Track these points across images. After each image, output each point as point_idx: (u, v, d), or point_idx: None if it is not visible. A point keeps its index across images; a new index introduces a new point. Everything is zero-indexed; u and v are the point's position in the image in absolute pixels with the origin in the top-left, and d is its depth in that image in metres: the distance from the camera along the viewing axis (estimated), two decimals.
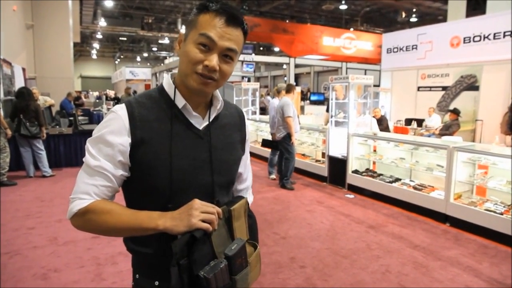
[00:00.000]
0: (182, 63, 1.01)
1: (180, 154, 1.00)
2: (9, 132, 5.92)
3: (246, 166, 1.26)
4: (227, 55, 0.99)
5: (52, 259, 3.38)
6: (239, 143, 1.17)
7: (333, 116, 6.40)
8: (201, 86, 0.99)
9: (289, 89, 6.02)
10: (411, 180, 5.30)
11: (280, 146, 6.04)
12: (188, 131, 1.03)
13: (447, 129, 7.49)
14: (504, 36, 7.77)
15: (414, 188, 5.00)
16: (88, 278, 3.06)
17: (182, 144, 1.01)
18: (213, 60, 0.96)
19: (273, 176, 6.67)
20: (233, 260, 0.93)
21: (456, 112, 7.59)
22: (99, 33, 22.22)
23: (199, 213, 0.90)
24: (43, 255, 3.48)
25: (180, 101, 1.03)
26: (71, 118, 7.66)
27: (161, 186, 0.99)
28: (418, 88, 9.85)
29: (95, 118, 10.49)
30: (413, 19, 17.18)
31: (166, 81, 1.07)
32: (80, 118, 8.08)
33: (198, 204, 0.92)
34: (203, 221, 0.90)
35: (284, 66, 20.31)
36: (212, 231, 0.91)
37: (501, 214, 3.97)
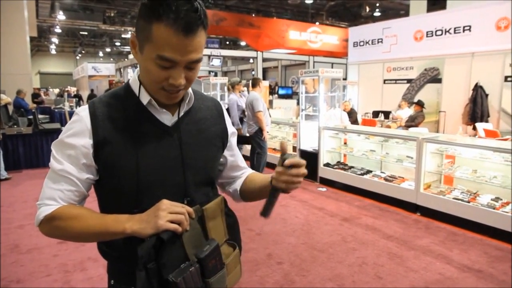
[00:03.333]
0: (144, 76, 0.94)
1: (147, 153, 0.94)
2: None
3: (236, 157, 1.20)
4: (192, 65, 0.91)
5: (15, 269, 3.16)
6: (219, 137, 1.09)
7: (303, 110, 6.41)
8: (170, 100, 0.95)
9: (254, 83, 5.81)
10: (382, 172, 5.40)
11: (252, 141, 5.97)
12: (155, 128, 0.96)
13: (413, 121, 7.71)
14: (463, 30, 8.07)
15: (385, 179, 5.09)
16: (56, 286, 2.89)
17: (149, 142, 0.95)
18: (179, 78, 0.89)
19: None
20: (205, 262, 0.89)
21: (420, 104, 7.83)
22: (57, 27, 21.14)
23: (167, 213, 0.84)
24: (4, 264, 3.24)
25: (145, 98, 0.95)
26: (30, 117, 7.26)
27: (128, 188, 0.93)
28: (384, 81, 10.08)
29: (57, 117, 10.01)
30: (377, 13, 17.55)
31: (132, 78, 1.00)
32: (40, 116, 7.65)
33: (166, 204, 0.86)
34: (172, 222, 0.84)
35: (251, 60, 20.24)
36: (182, 232, 0.86)
37: (468, 202, 4.11)
